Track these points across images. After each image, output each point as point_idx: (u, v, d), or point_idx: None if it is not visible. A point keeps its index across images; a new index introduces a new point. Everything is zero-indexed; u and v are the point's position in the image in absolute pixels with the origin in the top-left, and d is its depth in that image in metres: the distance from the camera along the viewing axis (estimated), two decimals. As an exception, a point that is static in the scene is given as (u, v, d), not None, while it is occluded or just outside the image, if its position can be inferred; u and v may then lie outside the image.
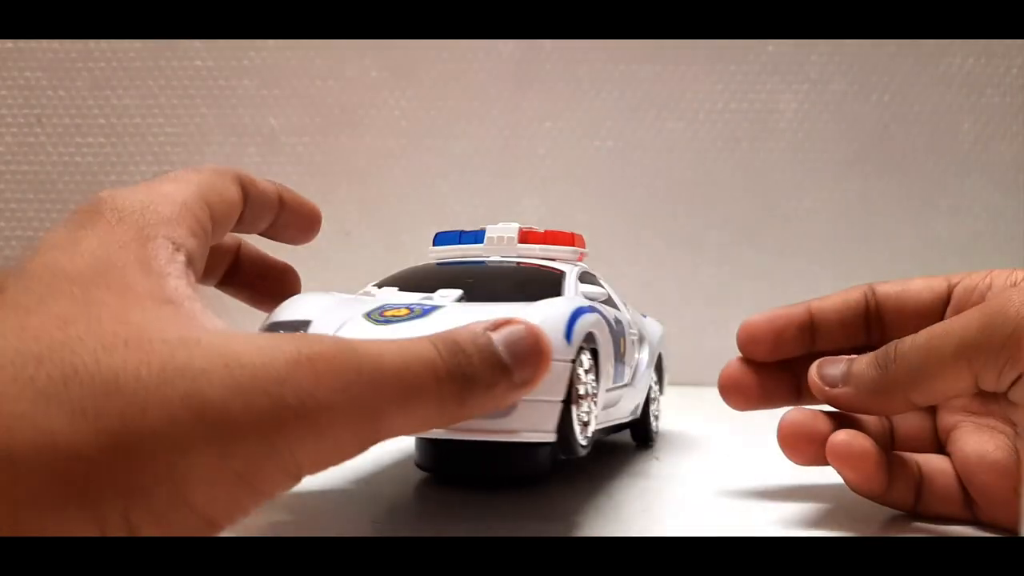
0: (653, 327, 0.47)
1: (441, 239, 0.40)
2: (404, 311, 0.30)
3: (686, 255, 0.69)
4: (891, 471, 0.34)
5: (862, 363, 0.34)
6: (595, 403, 0.31)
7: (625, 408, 0.40)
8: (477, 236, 0.39)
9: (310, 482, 0.27)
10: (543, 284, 0.34)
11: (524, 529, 0.32)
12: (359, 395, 0.22)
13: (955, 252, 0.70)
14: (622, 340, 0.36)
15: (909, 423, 0.38)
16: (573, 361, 0.28)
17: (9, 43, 0.65)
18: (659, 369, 0.47)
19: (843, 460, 0.33)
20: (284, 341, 0.22)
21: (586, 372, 0.30)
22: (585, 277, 0.38)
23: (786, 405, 0.38)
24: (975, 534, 0.33)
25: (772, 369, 0.38)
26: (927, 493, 0.34)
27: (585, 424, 0.30)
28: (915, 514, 0.35)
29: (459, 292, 0.33)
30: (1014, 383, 0.30)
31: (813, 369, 0.35)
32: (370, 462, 0.42)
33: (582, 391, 0.29)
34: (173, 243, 0.27)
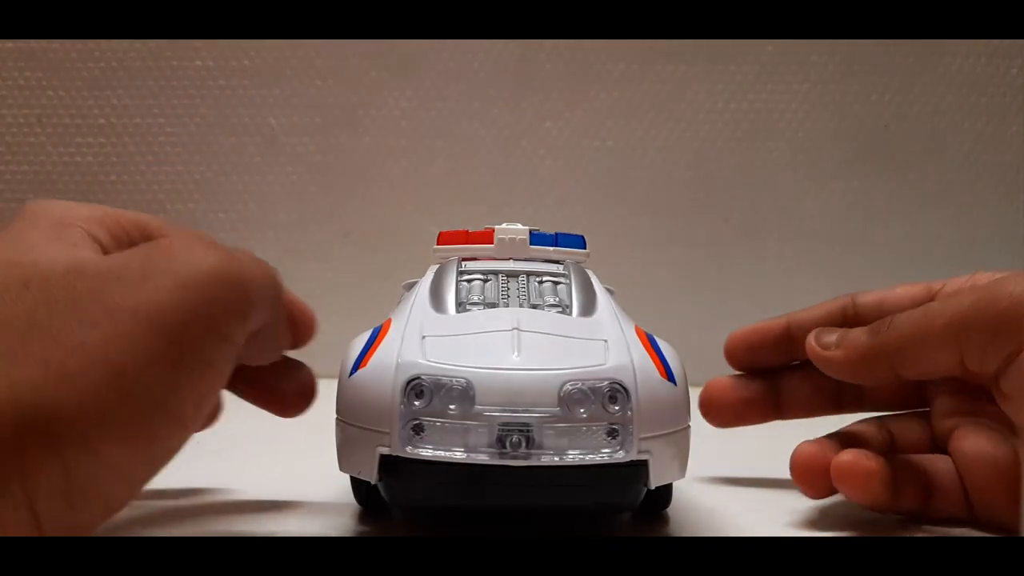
0: None
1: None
2: None
3: (686, 255, 0.69)
4: (897, 479, 0.33)
5: (857, 330, 0.34)
6: None
7: None
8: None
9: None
10: None
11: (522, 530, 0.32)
12: None
13: (955, 252, 0.70)
14: None
15: (910, 429, 0.37)
16: None
17: (9, 43, 0.65)
18: None
19: (849, 482, 0.33)
20: None
21: None
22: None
23: (764, 421, 0.39)
24: (975, 534, 0.33)
25: (751, 384, 0.39)
26: (935, 496, 0.34)
27: None
28: (923, 518, 0.34)
29: None
30: (1004, 370, 0.30)
31: (811, 335, 0.35)
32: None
33: None
34: (88, 232, 0.27)
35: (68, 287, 0.23)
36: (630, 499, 0.31)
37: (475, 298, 0.34)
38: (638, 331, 0.33)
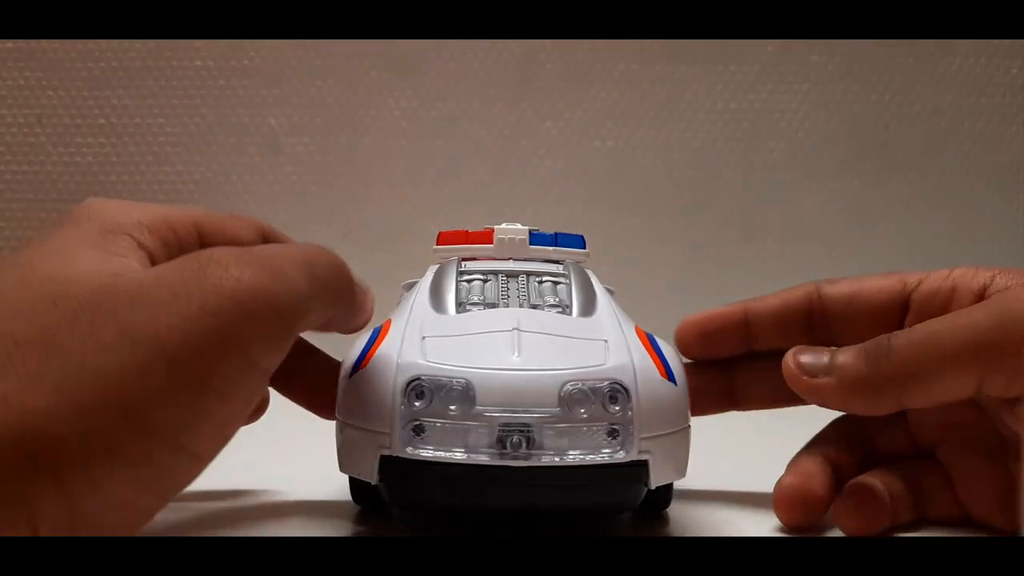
0: None
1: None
2: None
3: (686, 255, 0.69)
4: (893, 504, 0.32)
5: (848, 355, 0.31)
6: None
7: None
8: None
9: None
10: None
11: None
12: None
13: (955, 252, 0.70)
14: None
15: (888, 431, 0.35)
16: None
17: (9, 43, 0.65)
18: None
19: (851, 519, 0.32)
20: None
21: None
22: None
23: (718, 412, 0.37)
24: (975, 534, 0.33)
25: (702, 374, 0.36)
26: (930, 507, 0.33)
27: None
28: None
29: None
30: None
31: (789, 356, 0.32)
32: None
33: None
34: (136, 241, 0.26)
35: (93, 308, 0.22)
36: (630, 499, 0.31)
37: (475, 298, 0.33)
38: (638, 331, 0.32)
